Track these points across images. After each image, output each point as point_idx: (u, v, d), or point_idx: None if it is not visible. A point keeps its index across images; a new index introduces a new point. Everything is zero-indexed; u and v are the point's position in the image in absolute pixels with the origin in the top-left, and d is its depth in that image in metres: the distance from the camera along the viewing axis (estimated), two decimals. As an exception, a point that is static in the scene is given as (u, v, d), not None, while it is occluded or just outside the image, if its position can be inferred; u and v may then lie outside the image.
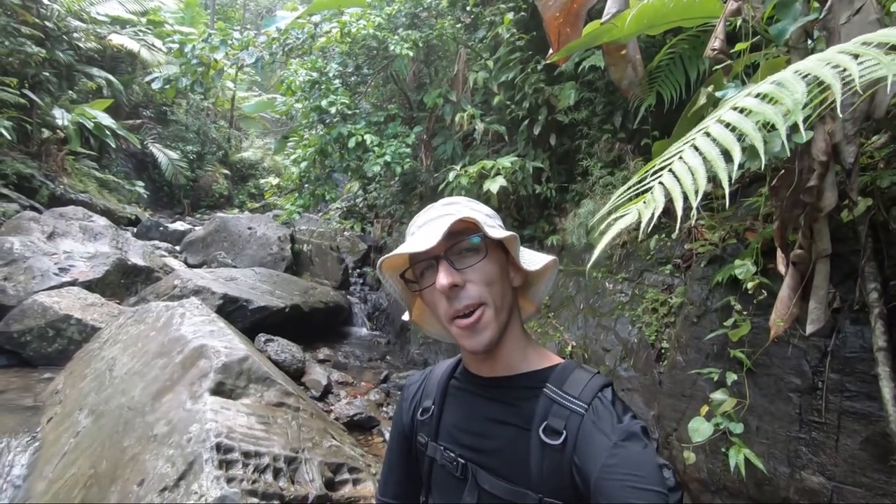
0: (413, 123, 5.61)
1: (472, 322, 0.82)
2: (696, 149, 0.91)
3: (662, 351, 2.87)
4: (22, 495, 2.47)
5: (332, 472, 2.36)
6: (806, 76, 0.93)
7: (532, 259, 0.91)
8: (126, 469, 2.20)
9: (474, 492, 0.87)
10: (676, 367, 2.65)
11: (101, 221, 6.47)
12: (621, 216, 0.93)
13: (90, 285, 5.09)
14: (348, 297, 7.25)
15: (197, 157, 15.82)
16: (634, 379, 2.97)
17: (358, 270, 8.57)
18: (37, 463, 2.62)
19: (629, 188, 1.01)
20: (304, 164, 4.76)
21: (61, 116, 10.82)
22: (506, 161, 4.11)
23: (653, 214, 0.87)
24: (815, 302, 1.54)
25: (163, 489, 1.98)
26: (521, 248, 0.90)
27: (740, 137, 0.94)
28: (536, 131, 4.38)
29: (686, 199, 0.86)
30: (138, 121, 14.74)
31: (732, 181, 0.96)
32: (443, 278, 0.81)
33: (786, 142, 0.98)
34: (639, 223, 0.91)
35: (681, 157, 0.91)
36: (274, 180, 5.69)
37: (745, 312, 1.95)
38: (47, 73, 10.96)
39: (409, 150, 4.65)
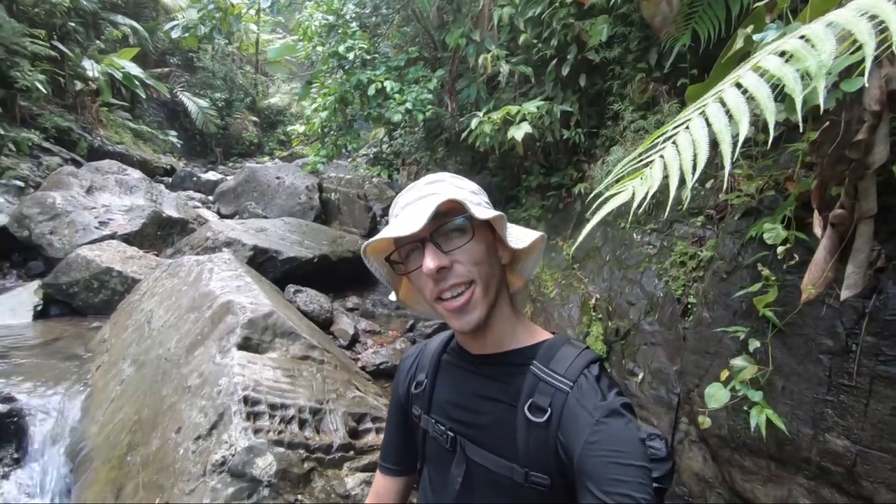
0: (437, 65, 5.36)
1: (462, 304, 0.82)
2: (723, 103, 0.81)
3: (689, 306, 2.79)
4: (78, 436, 2.70)
5: (355, 422, 2.47)
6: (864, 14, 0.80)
7: (520, 236, 0.89)
8: (165, 417, 2.36)
9: (462, 464, 0.90)
10: (702, 323, 2.58)
11: (136, 174, 6.64)
12: (615, 193, 0.85)
13: (128, 238, 5.30)
14: (376, 245, 7.31)
15: (226, 104, 15.82)
16: (658, 333, 2.91)
17: (385, 218, 8.60)
18: (89, 407, 2.85)
19: (634, 158, 0.92)
20: (324, 114, 4.67)
21: (91, 68, 10.88)
22: (532, 106, 3.90)
23: (646, 194, 0.80)
24: (854, 266, 1.43)
25: (197, 437, 2.12)
26: (509, 225, 0.88)
27: (777, 88, 0.83)
28: (565, 71, 4.11)
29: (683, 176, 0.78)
30: (166, 69, 14.72)
31: (772, 131, 0.85)
32: (430, 262, 0.80)
33: (823, 93, 0.85)
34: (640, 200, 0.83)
35: (687, 127, 0.82)
36: (300, 128, 5.62)
37: (773, 278, 1.83)
38: (73, 23, 10.94)
39: (431, 95, 4.46)
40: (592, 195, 0.91)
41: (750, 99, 0.78)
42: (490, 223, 0.85)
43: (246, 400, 2.18)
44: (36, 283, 4.64)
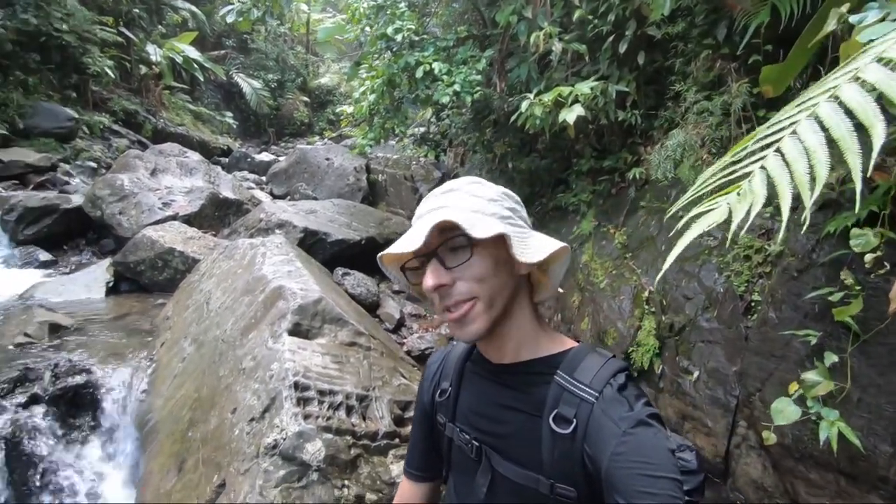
0: (486, 44, 5.20)
1: (459, 316, 0.81)
2: (819, 120, 0.71)
3: (752, 304, 2.62)
4: (145, 408, 2.90)
5: (400, 410, 2.50)
6: None
7: (538, 246, 0.84)
8: (222, 397, 2.48)
9: (487, 473, 0.89)
10: (767, 323, 2.41)
11: (195, 157, 6.92)
12: (706, 211, 0.77)
13: (189, 219, 5.56)
14: (423, 227, 7.34)
15: (278, 84, 16.17)
16: (717, 331, 2.76)
17: (432, 200, 8.60)
18: (154, 382, 3.04)
19: (722, 169, 0.83)
20: (372, 97, 4.65)
21: (154, 52, 11.35)
22: (585, 87, 3.71)
23: (748, 212, 0.71)
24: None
25: (251, 419, 2.21)
26: (531, 234, 0.85)
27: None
28: (622, 49, 3.88)
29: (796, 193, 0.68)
30: (222, 51, 15.17)
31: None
32: (429, 279, 0.80)
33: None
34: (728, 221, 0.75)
35: (794, 132, 0.72)
36: (348, 109, 5.65)
37: (857, 287, 1.66)
38: (138, 10, 11.39)
39: (479, 76, 4.34)
40: (669, 215, 0.83)
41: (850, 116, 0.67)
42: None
43: (296, 385, 2.24)
44: (108, 261, 4.98)
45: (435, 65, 4.23)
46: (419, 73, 4.23)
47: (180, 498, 2.19)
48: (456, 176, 8.06)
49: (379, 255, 0.88)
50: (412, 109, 5.43)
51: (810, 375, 1.40)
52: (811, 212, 2.28)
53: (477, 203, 0.82)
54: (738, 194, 0.74)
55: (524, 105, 3.84)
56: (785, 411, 1.42)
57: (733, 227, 0.72)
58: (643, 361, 3.06)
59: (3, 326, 3.62)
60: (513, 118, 4.14)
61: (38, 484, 2.60)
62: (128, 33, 10.70)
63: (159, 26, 12.61)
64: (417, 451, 1.10)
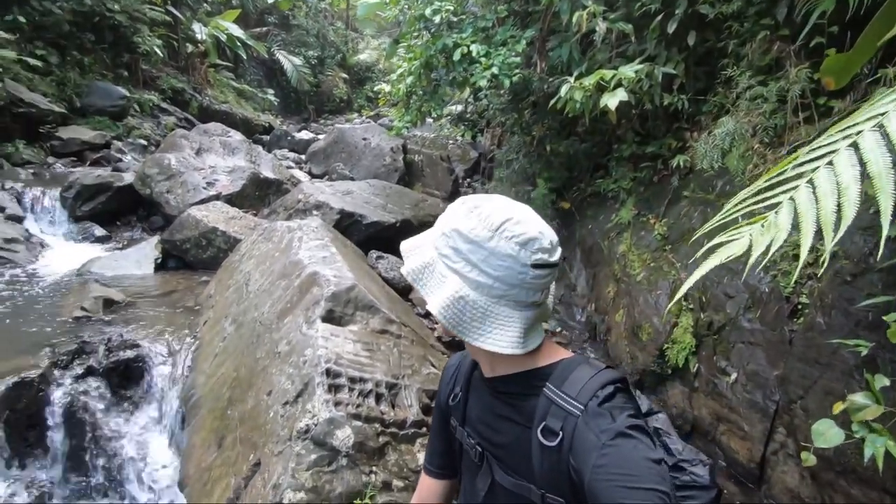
0: (527, 23, 5.03)
1: (441, 332, 0.83)
2: (859, 151, 0.65)
3: (799, 307, 2.48)
4: (189, 383, 3.06)
5: (428, 399, 2.54)
6: None
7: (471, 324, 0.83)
8: (258, 378, 2.58)
9: (486, 478, 0.92)
10: (814, 328, 2.29)
11: (237, 136, 7.09)
12: (728, 241, 0.72)
13: (231, 199, 5.74)
14: (458, 209, 7.31)
15: (318, 61, 16.25)
16: (759, 333, 2.64)
17: (468, 180, 8.52)
18: (197, 359, 3.20)
19: (755, 194, 0.77)
20: (410, 79, 4.60)
21: (200, 31, 11.58)
22: (629, 70, 3.54)
23: (768, 247, 0.66)
24: None
25: (285, 403, 2.30)
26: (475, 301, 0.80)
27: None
28: (671, 28, 3.66)
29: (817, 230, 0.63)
30: (264, 28, 15.32)
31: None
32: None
33: None
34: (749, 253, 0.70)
35: (830, 162, 0.66)
36: (386, 87, 5.61)
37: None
38: (184, -12, 11.59)
39: (518, 59, 4.21)
40: (692, 240, 0.79)
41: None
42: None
43: (328, 372, 2.31)
44: (156, 238, 5.21)
45: (473, 47, 4.12)
46: (456, 56, 4.14)
47: (220, 473, 2.32)
48: (492, 159, 7.95)
49: (404, 242, 0.89)
50: (449, 90, 5.33)
51: (858, 398, 1.31)
52: (872, 210, 2.13)
53: (439, 245, 0.83)
54: (763, 226, 0.69)
55: (563, 89, 3.71)
56: (827, 434, 1.35)
57: (752, 260, 0.67)
58: (678, 359, 2.98)
59: (63, 300, 3.88)
60: (552, 102, 4.02)
61: (93, 448, 2.81)
62: (175, 12, 10.95)
63: (204, 4, 12.83)
64: (435, 448, 1.13)
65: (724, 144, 3.24)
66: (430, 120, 10.05)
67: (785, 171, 0.76)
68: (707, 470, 0.90)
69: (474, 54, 4.12)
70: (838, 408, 1.40)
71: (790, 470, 2.34)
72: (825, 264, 0.64)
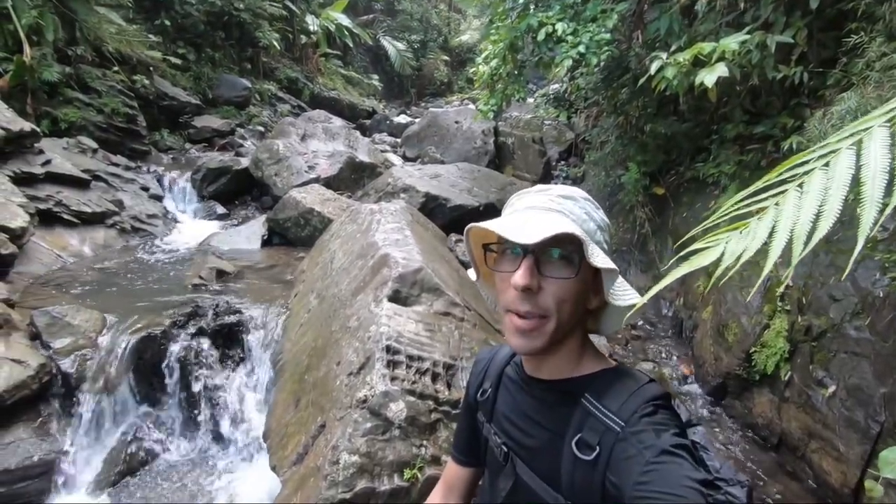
0: (622, -5, 4.69)
1: (528, 327, 0.80)
2: (859, 152, 0.56)
3: (920, 317, 2.11)
4: (278, 349, 3.42)
5: (485, 382, 2.58)
6: None
7: (622, 293, 0.82)
8: (331, 349, 2.81)
9: (510, 478, 0.91)
10: (935, 343, 1.94)
11: (338, 122, 7.56)
12: (704, 248, 0.67)
13: (329, 182, 6.18)
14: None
15: (420, 45, 16.60)
16: (867, 342, 2.29)
17: (563, 163, 8.25)
18: (287, 327, 3.55)
19: (752, 195, 0.70)
20: (494, 62, 4.55)
21: (312, 22, 12.40)
22: (733, 42, 3.18)
23: (738, 258, 0.61)
24: None
25: (349, 373, 2.48)
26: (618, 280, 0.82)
27: None
28: (791, -10, 3.22)
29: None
30: (370, 15, 15.95)
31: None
32: (520, 277, 0.78)
33: None
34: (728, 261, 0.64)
35: (827, 164, 0.59)
36: (482, 67, 5.61)
37: None
38: (299, -17, 12.44)
39: (608, 35, 3.97)
40: (679, 243, 0.74)
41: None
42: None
43: (388, 349, 2.45)
44: (264, 217, 5.81)
45: (559, 25, 3.96)
46: (541, 36, 4.01)
47: (294, 430, 2.59)
48: (586, 140, 7.60)
49: (470, 225, 0.87)
50: (535, 74, 5.19)
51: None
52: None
53: (591, 226, 0.82)
54: (741, 233, 0.63)
55: (653, 66, 3.45)
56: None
57: (718, 272, 0.62)
58: (767, 365, 2.69)
59: (186, 269, 4.51)
60: (641, 80, 3.75)
61: (200, 398, 3.28)
62: (291, 6, 11.84)
63: (317, -5, 13.65)
64: (462, 437, 1.15)
65: (844, 124, 2.79)
66: (530, 100, 9.83)
67: (790, 169, 0.68)
68: (745, 492, 0.84)
69: (560, 33, 3.96)
70: (924, 438, 1.20)
71: (892, 500, 2.04)
72: (788, 279, 0.57)
